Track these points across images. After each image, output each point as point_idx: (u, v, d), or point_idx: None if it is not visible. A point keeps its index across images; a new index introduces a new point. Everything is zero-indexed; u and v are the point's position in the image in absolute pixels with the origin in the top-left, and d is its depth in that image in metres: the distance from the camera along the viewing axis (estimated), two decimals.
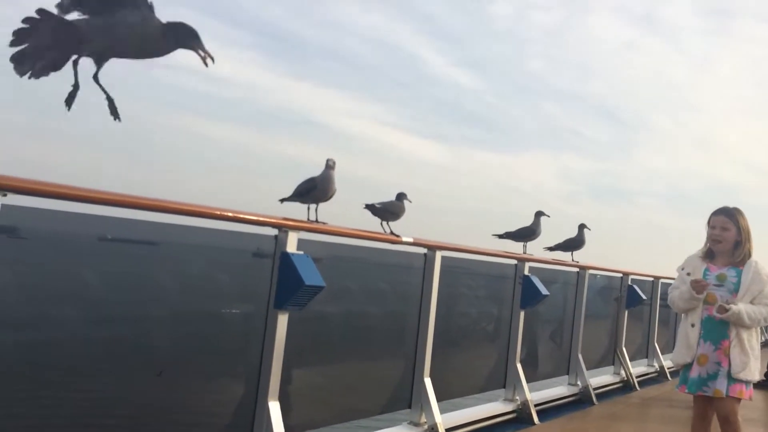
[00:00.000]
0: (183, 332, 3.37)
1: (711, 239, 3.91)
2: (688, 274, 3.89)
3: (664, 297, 9.58)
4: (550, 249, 6.50)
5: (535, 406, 5.75)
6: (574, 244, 6.56)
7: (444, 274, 4.83)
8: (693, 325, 3.83)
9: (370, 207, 4.22)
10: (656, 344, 9.36)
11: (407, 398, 4.65)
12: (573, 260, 6.77)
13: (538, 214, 5.92)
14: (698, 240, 4.35)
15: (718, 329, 3.76)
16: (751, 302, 3.74)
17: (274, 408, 3.41)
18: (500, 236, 5.87)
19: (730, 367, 3.70)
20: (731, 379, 3.70)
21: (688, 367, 3.84)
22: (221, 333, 3.55)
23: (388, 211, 4.26)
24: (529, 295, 5.79)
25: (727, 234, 3.84)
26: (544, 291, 5.77)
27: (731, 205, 3.98)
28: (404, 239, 4.42)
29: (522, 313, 5.85)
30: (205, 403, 3.46)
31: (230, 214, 3.28)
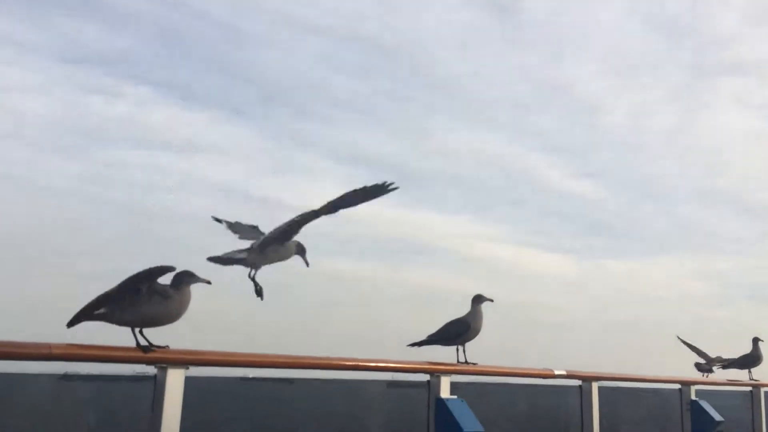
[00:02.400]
0: None
1: None
2: None
3: None
4: (724, 366, 5.93)
5: None
6: (749, 360, 5.92)
7: (600, 401, 4.53)
8: None
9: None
10: None
11: None
12: (751, 379, 6.07)
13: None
14: None
15: None
16: None
17: None
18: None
19: None
20: None
21: None
22: None
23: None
24: (700, 423, 5.25)
25: None
26: (717, 417, 5.22)
27: None
28: (557, 372, 4.24)
29: None
30: None
31: (382, 365, 3.31)
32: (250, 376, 3.17)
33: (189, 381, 2.54)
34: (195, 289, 2.46)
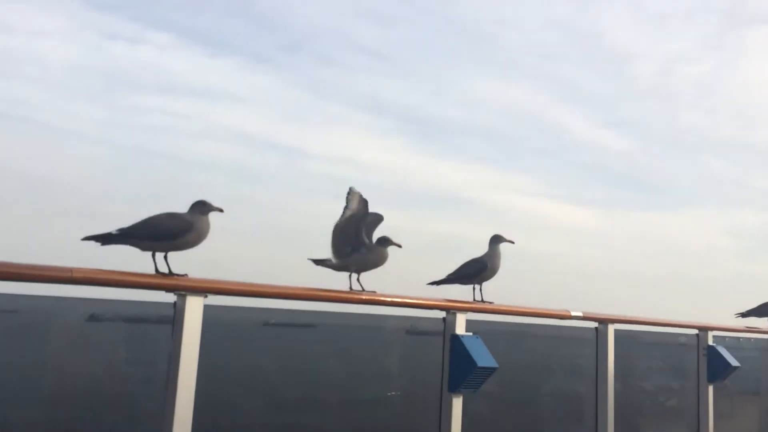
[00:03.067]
0: (353, 416, 3.41)
1: None
2: None
3: None
4: (743, 315, 5.92)
5: None
6: None
7: (616, 346, 4.56)
8: None
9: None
10: None
11: None
12: None
13: None
14: None
15: None
16: None
17: None
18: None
19: None
20: None
21: None
22: (391, 416, 3.57)
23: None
24: (716, 367, 5.28)
25: None
26: (734, 362, 5.24)
27: None
28: (573, 314, 4.26)
29: (710, 388, 5.33)
30: None
31: (399, 300, 3.35)
32: (272, 321, 3.24)
33: (211, 313, 2.60)
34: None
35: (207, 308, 2.55)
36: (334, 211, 3.26)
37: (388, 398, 3.66)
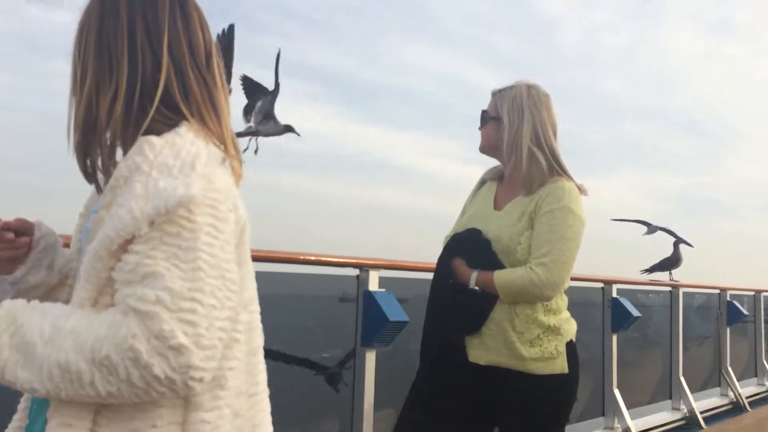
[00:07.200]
0: (286, 378, 3.50)
1: None
2: None
3: None
4: (648, 271, 6.33)
5: None
6: (670, 263, 6.35)
7: None
8: None
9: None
10: (765, 362, 8.79)
11: None
12: (671, 279, 6.52)
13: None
14: None
15: None
16: None
17: None
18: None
19: None
20: None
21: None
22: (314, 377, 3.69)
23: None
24: (619, 318, 5.63)
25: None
26: (635, 313, 5.60)
27: None
28: None
29: (614, 337, 5.68)
30: None
31: (313, 258, 3.41)
32: None
33: None
34: None
35: None
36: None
37: (320, 359, 3.77)
